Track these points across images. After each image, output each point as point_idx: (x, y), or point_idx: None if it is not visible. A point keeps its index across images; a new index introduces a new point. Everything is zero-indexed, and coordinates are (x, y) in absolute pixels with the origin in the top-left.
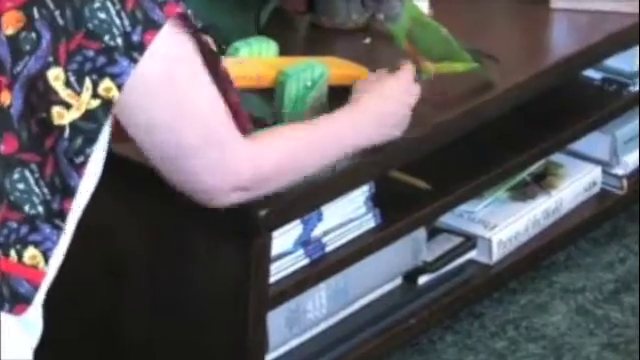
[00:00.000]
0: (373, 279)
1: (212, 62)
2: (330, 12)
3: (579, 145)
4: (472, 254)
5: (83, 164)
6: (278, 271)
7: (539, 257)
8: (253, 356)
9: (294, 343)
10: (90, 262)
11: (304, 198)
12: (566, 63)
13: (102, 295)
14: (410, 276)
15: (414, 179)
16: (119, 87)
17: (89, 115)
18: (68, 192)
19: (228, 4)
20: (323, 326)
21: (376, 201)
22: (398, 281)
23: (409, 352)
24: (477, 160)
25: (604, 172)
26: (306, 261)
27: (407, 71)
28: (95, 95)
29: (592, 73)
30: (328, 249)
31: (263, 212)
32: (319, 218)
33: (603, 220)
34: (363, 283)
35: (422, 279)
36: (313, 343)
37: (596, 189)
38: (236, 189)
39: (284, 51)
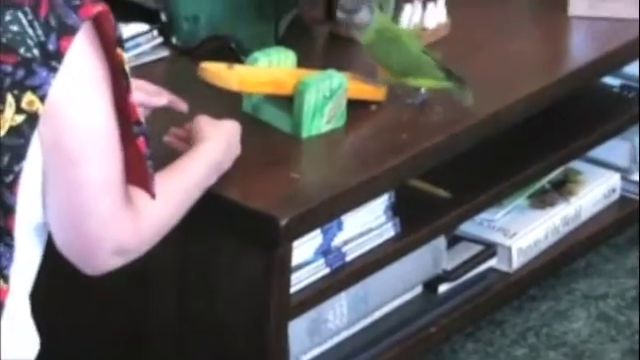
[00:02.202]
0: (393, 288)
1: (121, 90)
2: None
3: (598, 152)
4: (492, 262)
5: (14, 182)
6: (299, 281)
7: (559, 264)
8: None
9: (315, 352)
10: (117, 271)
11: (324, 207)
12: (585, 70)
13: (129, 303)
14: (430, 284)
15: (433, 187)
16: (42, 99)
17: (14, 131)
18: (7, 210)
19: (247, 14)
20: (344, 335)
21: (396, 210)
22: (418, 290)
23: None
24: (496, 168)
25: (623, 179)
26: (326, 270)
27: (233, 120)
28: (19, 110)
29: (610, 80)
30: (348, 258)
31: (284, 222)
32: (339, 227)
33: (623, 227)
34: (383, 292)
35: (442, 287)
36: (334, 352)
37: (615, 196)
38: (115, 254)
39: (303, 61)
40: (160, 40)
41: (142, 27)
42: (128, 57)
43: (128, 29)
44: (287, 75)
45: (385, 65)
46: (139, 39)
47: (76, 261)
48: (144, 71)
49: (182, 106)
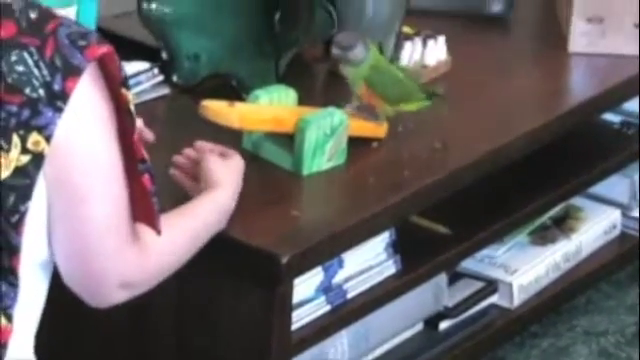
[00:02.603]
0: (394, 325)
1: (127, 129)
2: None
3: (598, 188)
4: (493, 299)
5: (19, 222)
6: (300, 318)
7: (560, 301)
8: None
9: None
10: (119, 307)
11: (325, 245)
12: (585, 107)
13: (130, 340)
14: (431, 321)
15: (434, 224)
16: (47, 139)
17: (19, 172)
18: (12, 250)
19: (247, 52)
20: None
21: (397, 247)
22: (419, 327)
23: None
24: (497, 204)
25: (623, 215)
26: (327, 308)
27: (238, 157)
28: (24, 150)
29: (610, 116)
30: (349, 296)
31: (285, 259)
32: (340, 265)
33: (623, 263)
34: (384, 329)
35: (443, 324)
36: None
37: (616, 232)
38: (121, 288)
39: (303, 99)
40: (161, 78)
41: (143, 65)
42: (131, 94)
43: (129, 67)
44: (288, 113)
45: (383, 96)
46: (140, 77)
47: (82, 294)
48: (145, 109)
49: (149, 136)
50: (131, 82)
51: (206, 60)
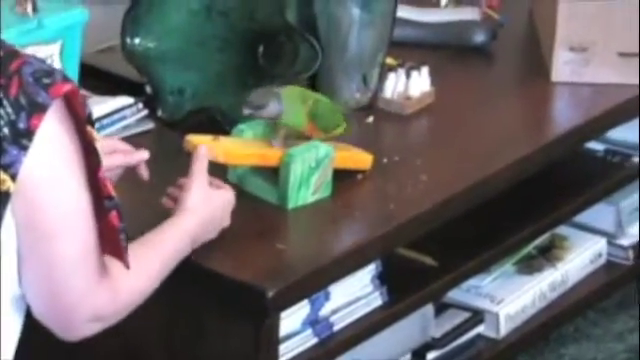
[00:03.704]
0: (382, 356)
1: (93, 166)
2: (333, 91)
3: (584, 217)
4: (480, 329)
5: None
6: (287, 351)
7: (547, 330)
8: None
9: None
10: (104, 343)
11: (311, 278)
12: (569, 136)
13: None
14: (419, 352)
15: (420, 255)
16: (12, 177)
17: None
18: None
19: (232, 86)
20: None
21: (383, 279)
22: (407, 358)
23: None
24: (482, 235)
25: (609, 243)
26: (314, 340)
27: (229, 192)
28: None
29: (595, 145)
30: (336, 328)
31: (271, 293)
32: (326, 297)
33: (610, 291)
34: None
35: (430, 355)
36: None
37: (602, 260)
38: (92, 322)
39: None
40: (145, 113)
41: (127, 100)
42: (114, 129)
43: (114, 102)
44: (272, 147)
45: (324, 127)
46: (124, 112)
47: (53, 329)
48: (130, 143)
49: (144, 173)
50: (115, 117)
51: (190, 94)
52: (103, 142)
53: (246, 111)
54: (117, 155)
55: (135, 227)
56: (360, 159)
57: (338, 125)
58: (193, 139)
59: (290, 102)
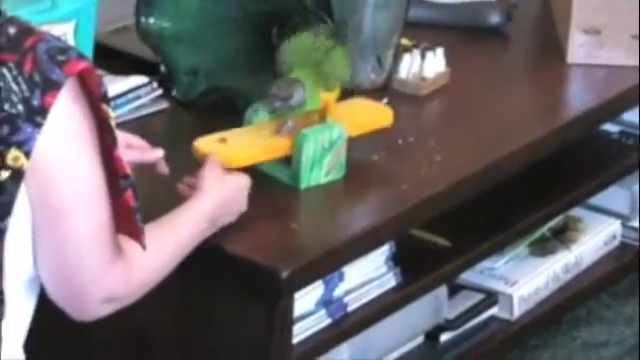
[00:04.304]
0: (395, 338)
1: (108, 145)
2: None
3: (598, 199)
4: (493, 310)
5: None
6: (301, 332)
7: (560, 312)
8: None
9: None
10: (116, 326)
11: (325, 259)
12: (583, 118)
13: (130, 357)
14: (432, 334)
15: (434, 237)
16: (27, 155)
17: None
18: None
19: (246, 66)
20: None
21: (397, 260)
22: (420, 339)
23: None
24: (497, 216)
25: (623, 225)
26: (328, 321)
27: (243, 177)
28: (4, 166)
29: (609, 127)
30: (350, 309)
31: (285, 274)
32: (340, 278)
33: (623, 273)
34: (385, 342)
35: (444, 337)
36: None
37: (616, 243)
38: (106, 303)
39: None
40: (160, 92)
41: (142, 79)
42: (128, 109)
43: (128, 82)
44: (280, 137)
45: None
46: (139, 91)
47: (67, 309)
48: (144, 123)
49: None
50: (130, 96)
51: (204, 74)
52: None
53: (276, 104)
54: (133, 151)
55: (148, 208)
56: (379, 123)
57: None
58: (201, 145)
59: (309, 86)
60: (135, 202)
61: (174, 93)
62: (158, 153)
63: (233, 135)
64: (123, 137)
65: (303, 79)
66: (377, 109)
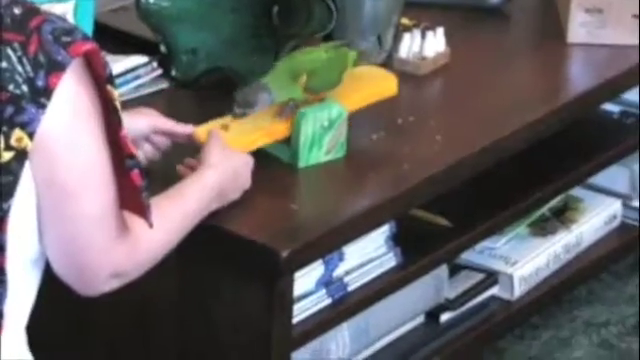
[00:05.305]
0: (395, 318)
1: (113, 125)
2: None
3: (598, 179)
4: (494, 290)
5: (2, 219)
6: (301, 311)
7: (561, 292)
8: None
9: None
10: (117, 304)
11: (325, 238)
12: (584, 98)
13: (129, 337)
14: (432, 314)
15: (434, 217)
16: (30, 135)
17: (2, 168)
18: None
19: (246, 47)
20: None
21: (397, 240)
22: (420, 319)
23: None
24: (497, 196)
25: (624, 205)
26: (328, 301)
27: (247, 155)
28: (8, 147)
29: (610, 106)
30: (350, 289)
31: (285, 254)
32: (340, 258)
33: (624, 253)
34: (385, 322)
35: (444, 316)
36: None
37: (616, 222)
38: (113, 278)
39: None
40: (159, 72)
41: (141, 59)
42: (128, 89)
43: (128, 61)
44: (280, 121)
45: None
46: (139, 71)
47: (73, 285)
48: (144, 103)
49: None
50: (129, 76)
51: (204, 54)
52: (141, 123)
53: (238, 111)
54: (160, 137)
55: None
56: (381, 93)
57: (336, 83)
58: (202, 132)
59: (280, 86)
60: (141, 181)
61: (174, 73)
62: (188, 129)
63: (235, 121)
64: (148, 123)
65: (279, 76)
66: (381, 77)
